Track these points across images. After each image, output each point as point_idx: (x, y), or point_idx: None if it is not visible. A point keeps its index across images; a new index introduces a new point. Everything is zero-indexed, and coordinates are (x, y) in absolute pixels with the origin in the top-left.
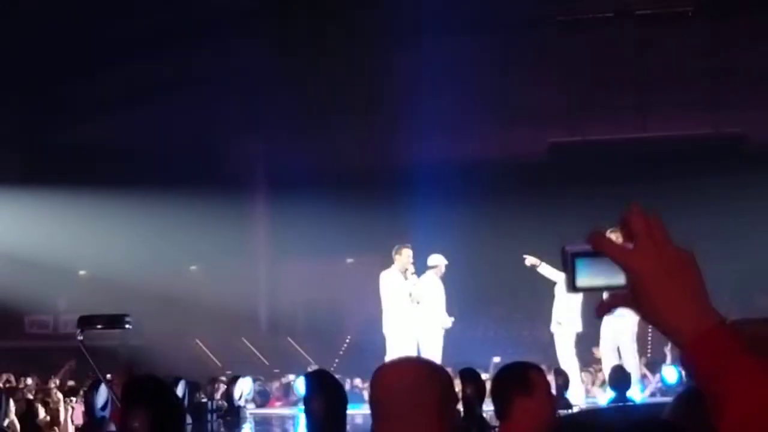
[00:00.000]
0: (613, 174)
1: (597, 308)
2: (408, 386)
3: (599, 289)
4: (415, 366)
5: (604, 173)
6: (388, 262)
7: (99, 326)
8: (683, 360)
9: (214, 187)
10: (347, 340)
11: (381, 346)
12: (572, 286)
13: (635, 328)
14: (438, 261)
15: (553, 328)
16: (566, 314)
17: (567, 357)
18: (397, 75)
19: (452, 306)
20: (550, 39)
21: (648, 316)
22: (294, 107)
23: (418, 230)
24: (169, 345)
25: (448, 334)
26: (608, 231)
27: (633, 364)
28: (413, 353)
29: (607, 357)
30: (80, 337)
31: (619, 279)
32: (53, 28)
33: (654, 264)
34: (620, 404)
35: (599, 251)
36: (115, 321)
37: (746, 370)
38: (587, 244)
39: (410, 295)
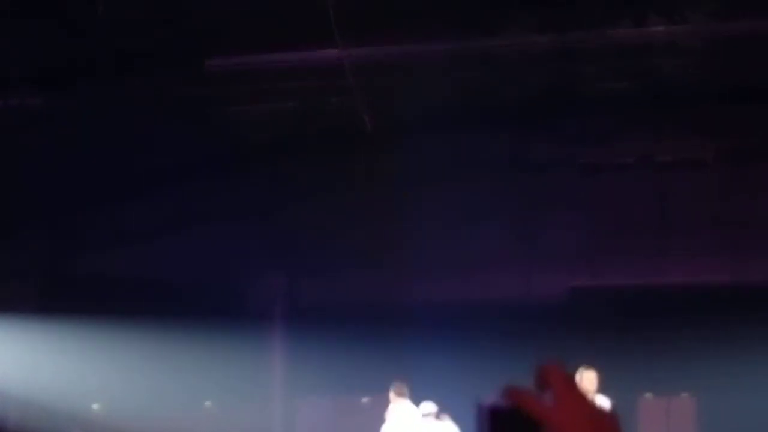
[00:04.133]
0: (633, 319)
1: None
2: None
3: None
4: None
5: (623, 318)
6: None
7: None
8: None
9: (232, 322)
10: None
11: None
12: None
13: None
14: (430, 408)
15: None
16: None
17: None
18: (417, 213)
19: None
20: (571, 182)
21: None
22: (316, 246)
23: (432, 372)
24: None
25: None
26: (582, 370)
27: None
28: None
29: None
30: None
31: None
32: (73, 156)
33: (577, 418)
34: None
35: (517, 406)
36: None
37: None
38: (503, 398)
39: None
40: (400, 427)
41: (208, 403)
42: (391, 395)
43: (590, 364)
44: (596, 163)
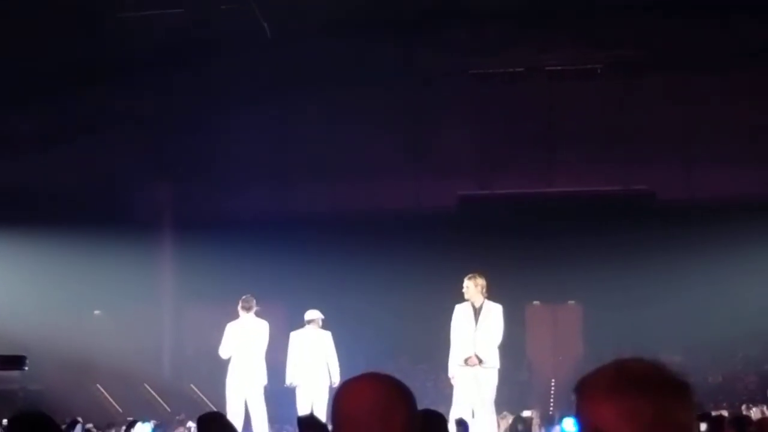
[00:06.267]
0: (522, 228)
1: None
2: (380, 401)
3: None
4: (385, 382)
5: (512, 227)
6: (294, 311)
7: None
8: None
9: (120, 231)
10: None
11: (284, 395)
12: None
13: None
14: (315, 315)
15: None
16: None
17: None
18: (311, 123)
19: (359, 357)
20: (462, 91)
21: None
22: (204, 154)
23: (325, 280)
24: (70, 390)
25: None
26: (466, 278)
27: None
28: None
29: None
30: None
31: None
32: None
33: None
34: None
35: None
36: (10, 362)
37: None
38: None
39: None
40: (243, 339)
41: (97, 312)
42: (239, 308)
43: (479, 271)
44: (486, 73)
